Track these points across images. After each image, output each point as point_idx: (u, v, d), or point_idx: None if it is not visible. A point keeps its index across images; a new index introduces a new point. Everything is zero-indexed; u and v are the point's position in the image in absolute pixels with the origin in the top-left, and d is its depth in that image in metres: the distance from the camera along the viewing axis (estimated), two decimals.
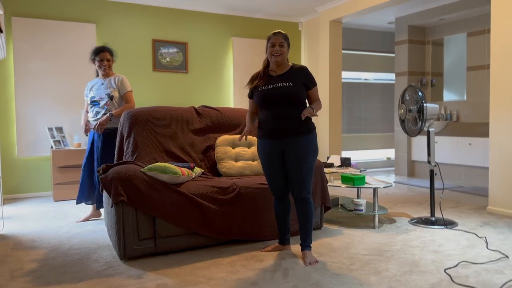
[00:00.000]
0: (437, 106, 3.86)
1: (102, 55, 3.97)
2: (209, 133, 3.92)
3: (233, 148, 3.81)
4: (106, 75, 4.04)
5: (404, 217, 4.17)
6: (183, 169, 3.18)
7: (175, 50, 6.43)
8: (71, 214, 4.49)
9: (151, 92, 6.29)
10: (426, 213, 4.31)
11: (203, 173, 3.55)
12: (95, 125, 3.85)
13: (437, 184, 6.13)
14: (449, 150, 6.48)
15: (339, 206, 4.01)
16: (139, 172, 3.00)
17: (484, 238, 3.35)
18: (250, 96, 3.04)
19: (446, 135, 6.66)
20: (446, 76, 7.24)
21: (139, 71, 6.20)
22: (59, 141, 5.50)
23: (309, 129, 2.89)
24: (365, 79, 8.26)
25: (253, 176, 3.58)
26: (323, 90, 6.70)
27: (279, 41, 2.90)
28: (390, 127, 8.47)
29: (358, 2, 6.01)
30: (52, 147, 5.41)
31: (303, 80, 2.90)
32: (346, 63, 7.99)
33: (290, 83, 2.86)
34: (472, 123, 6.54)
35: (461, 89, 6.94)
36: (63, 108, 5.68)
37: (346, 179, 3.85)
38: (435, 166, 3.92)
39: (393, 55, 8.09)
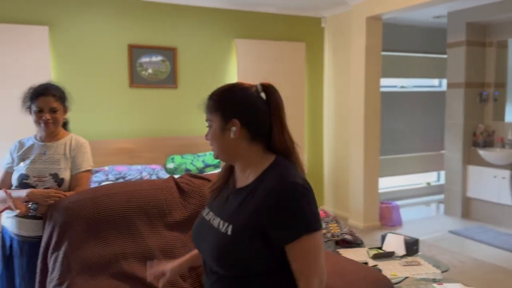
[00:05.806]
0: None
1: (42, 102, 2.12)
2: None
3: None
4: (51, 135, 2.23)
5: None
6: None
7: (159, 58, 4.81)
8: None
9: (126, 117, 4.69)
10: None
11: None
12: None
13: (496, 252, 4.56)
14: None
15: None
16: None
17: None
18: None
19: None
20: (510, 88, 5.61)
21: (110, 89, 4.59)
22: None
23: None
24: (402, 87, 6.63)
25: None
26: (356, 103, 5.09)
27: None
28: (431, 146, 6.83)
29: None
30: None
31: (264, 218, 1.19)
32: None
33: (230, 225, 1.24)
34: None
35: None
36: (4, 143, 4.11)
37: None
38: None
39: (438, 56, 6.45)
